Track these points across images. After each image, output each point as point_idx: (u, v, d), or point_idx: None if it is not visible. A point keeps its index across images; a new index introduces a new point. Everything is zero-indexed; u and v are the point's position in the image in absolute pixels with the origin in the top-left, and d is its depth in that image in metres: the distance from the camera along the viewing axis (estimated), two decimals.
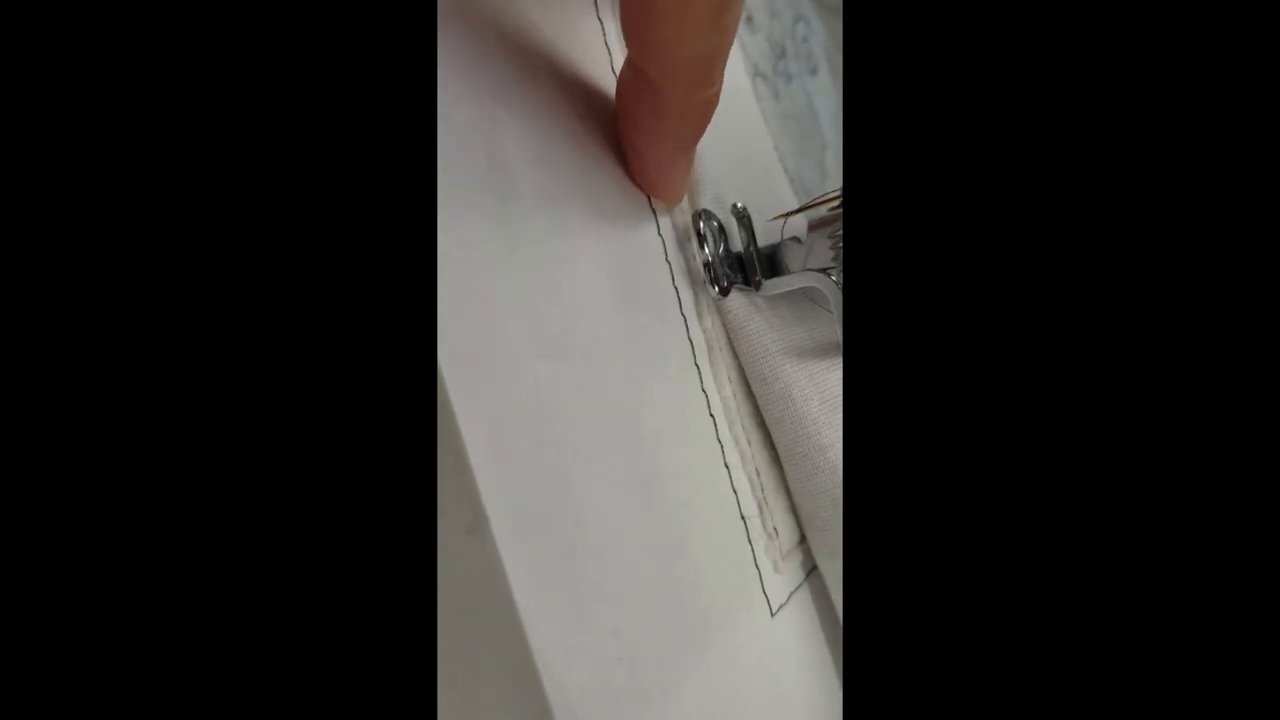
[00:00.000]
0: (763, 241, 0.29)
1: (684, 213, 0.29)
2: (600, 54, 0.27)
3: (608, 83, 0.27)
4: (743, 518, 0.27)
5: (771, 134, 0.39)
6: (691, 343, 0.27)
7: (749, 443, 0.29)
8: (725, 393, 0.28)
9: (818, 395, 0.28)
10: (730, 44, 0.22)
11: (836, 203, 0.28)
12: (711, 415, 0.27)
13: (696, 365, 0.27)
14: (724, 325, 0.29)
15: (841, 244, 0.28)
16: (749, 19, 0.40)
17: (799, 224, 0.29)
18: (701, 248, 0.28)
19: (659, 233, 0.27)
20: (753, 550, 0.27)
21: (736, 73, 0.37)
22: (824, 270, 0.28)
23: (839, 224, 0.27)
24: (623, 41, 0.28)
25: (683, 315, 0.27)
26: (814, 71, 0.47)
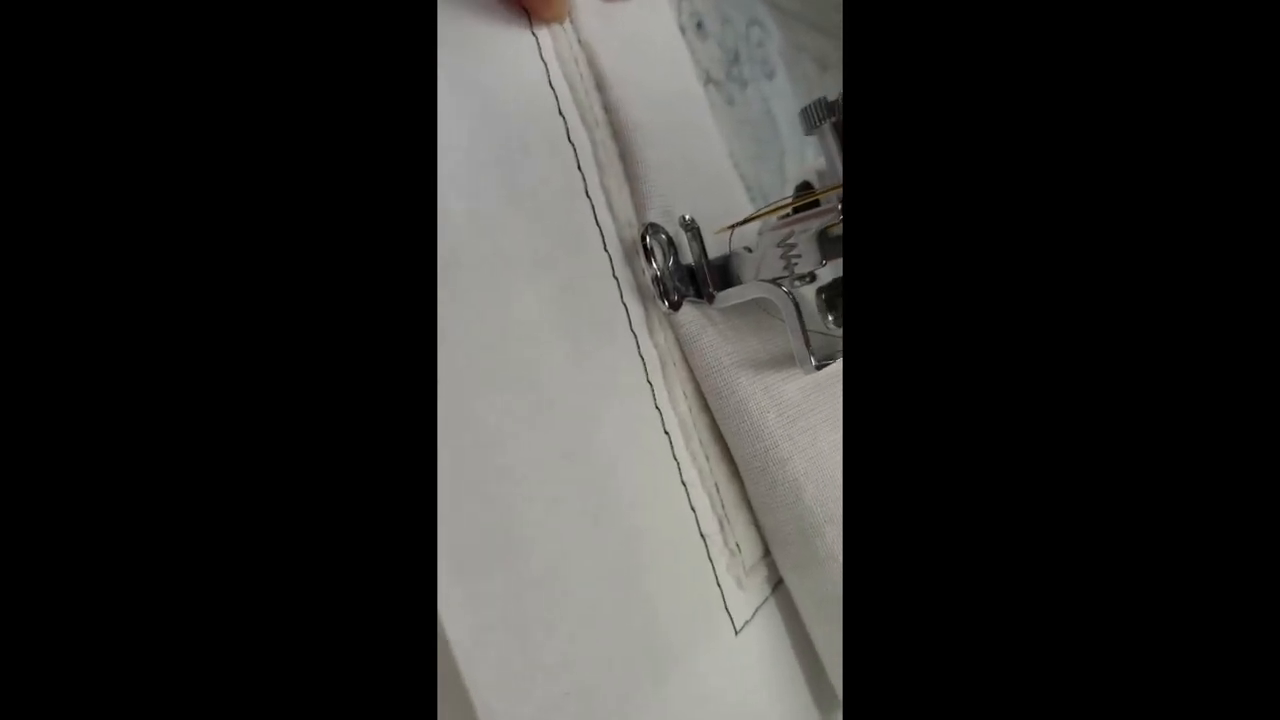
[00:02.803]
0: (714, 253, 0.29)
1: (631, 227, 0.28)
2: (537, 69, 0.27)
3: (546, 101, 0.27)
4: (702, 536, 0.27)
5: (726, 141, 0.38)
6: (643, 359, 0.27)
7: (707, 458, 0.28)
8: (680, 409, 0.28)
9: (774, 407, 0.28)
10: None
11: (784, 210, 0.27)
12: (666, 432, 0.27)
13: (649, 382, 0.27)
14: (676, 339, 0.28)
15: (792, 252, 0.27)
16: (699, 25, 0.40)
17: (750, 233, 0.28)
18: (649, 262, 0.27)
19: (605, 248, 0.27)
20: (714, 568, 0.27)
21: (687, 79, 0.36)
22: (775, 280, 0.27)
23: (789, 231, 0.27)
24: (558, 56, 0.28)
25: (633, 332, 0.27)
26: (770, 76, 0.46)
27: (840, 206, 0.26)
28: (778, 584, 0.30)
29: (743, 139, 0.41)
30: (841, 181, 0.26)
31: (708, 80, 0.39)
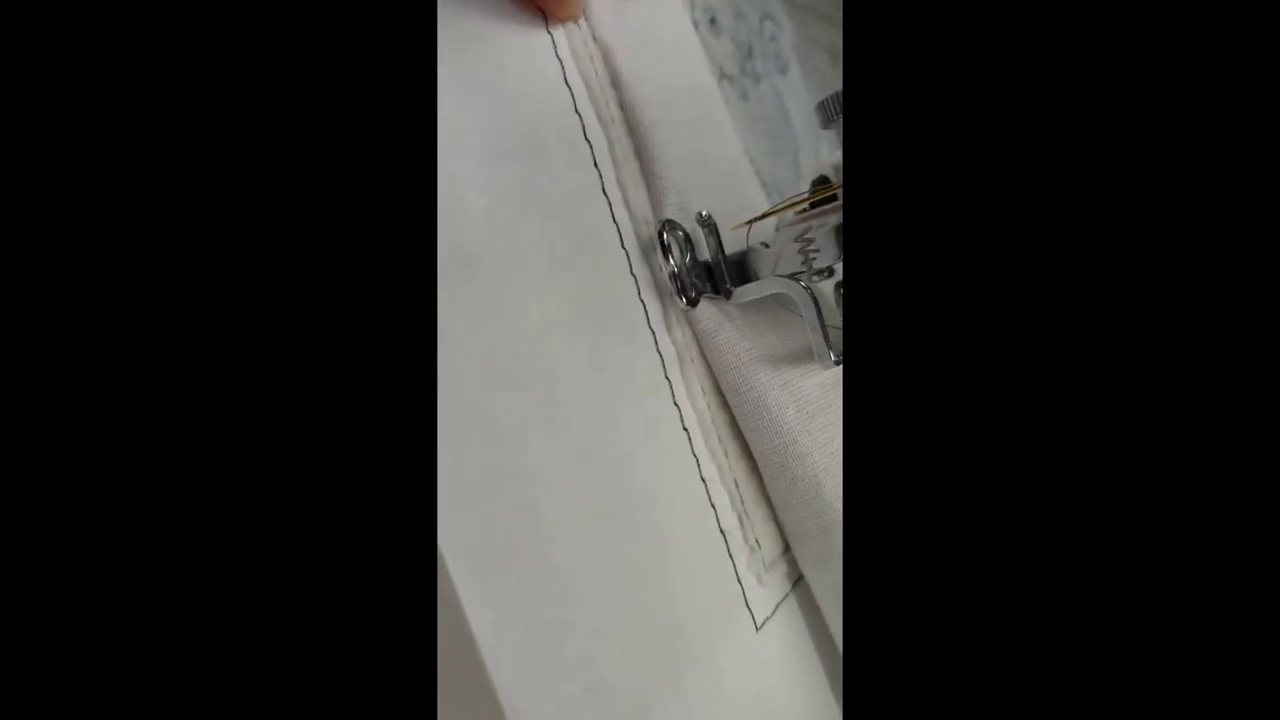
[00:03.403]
0: (731, 248, 0.29)
1: (648, 224, 0.28)
2: (553, 67, 0.27)
3: (562, 99, 0.27)
4: (722, 532, 0.27)
5: (741, 136, 0.38)
6: (661, 356, 0.27)
7: (726, 454, 0.28)
8: (699, 405, 0.28)
9: (793, 403, 0.28)
10: None
11: (801, 205, 0.27)
12: (685, 429, 0.27)
13: (667, 379, 0.27)
14: (694, 336, 0.28)
15: (810, 247, 0.27)
16: (712, 20, 0.40)
17: (767, 229, 0.28)
18: (666, 259, 0.27)
19: (622, 245, 0.27)
20: (734, 565, 0.27)
21: (701, 75, 0.36)
22: (793, 275, 0.27)
23: (806, 227, 0.27)
24: (574, 53, 0.28)
25: (651, 329, 0.27)
26: (784, 71, 0.46)
27: None
28: (798, 580, 0.30)
29: (757, 134, 0.40)
30: None
31: (721, 76, 0.39)
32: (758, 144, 0.40)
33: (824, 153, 0.48)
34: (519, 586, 0.19)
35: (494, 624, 0.17)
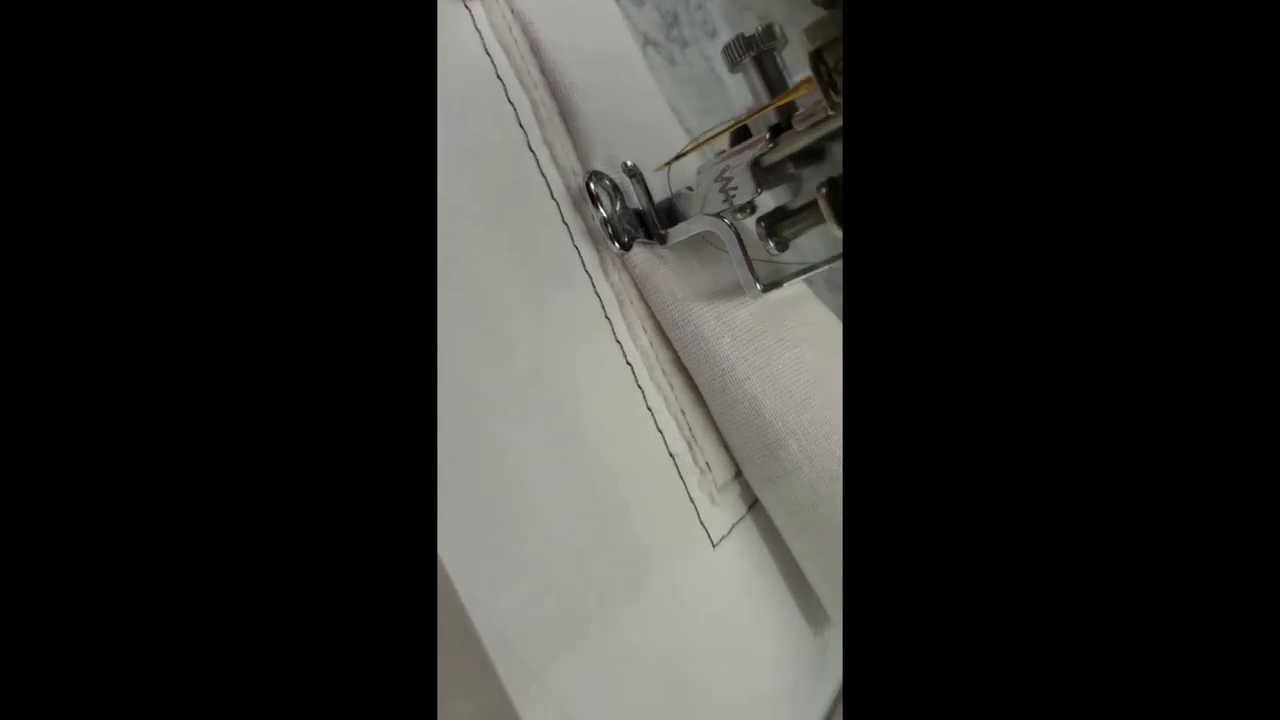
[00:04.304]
0: (659, 196, 0.31)
1: (576, 175, 0.30)
2: (471, 38, 0.29)
3: (482, 66, 0.29)
4: (671, 455, 0.28)
5: (670, 98, 0.40)
6: (600, 298, 0.29)
7: (671, 386, 0.30)
8: (641, 342, 0.29)
9: (728, 332, 0.30)
10: None
11: (717, 138, 0.29)
12: (628, 363, 0.29)
13: (608, 319, 0.29)
14: (631, 279, 0.30)
15: (729, 185, 0.29)
16: None
17: (690, 174, 0.30)
18: (596, 207, 0.29)
19: (552, 197, 0.29)
20: (685, 486, 0.29)
21: (622, 41, 0.38)
22: (718, 214, 0.29)
23: (724, 166, 0.29)
24: (492, 24, 0.30)
25: (587, 274, 0.29)
26: (713, 35, 0.48)
27: (768, 136, 0.28)
28: (754, 504, 0.32)
29: (688, 95, 0.42)
30: (765, 105, 0.27)
31: (646, 42, 0.41)
32: (689, 104, 0.42)
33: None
34: (470, 495, 0.20)
35: (446, 527, 0.19)
